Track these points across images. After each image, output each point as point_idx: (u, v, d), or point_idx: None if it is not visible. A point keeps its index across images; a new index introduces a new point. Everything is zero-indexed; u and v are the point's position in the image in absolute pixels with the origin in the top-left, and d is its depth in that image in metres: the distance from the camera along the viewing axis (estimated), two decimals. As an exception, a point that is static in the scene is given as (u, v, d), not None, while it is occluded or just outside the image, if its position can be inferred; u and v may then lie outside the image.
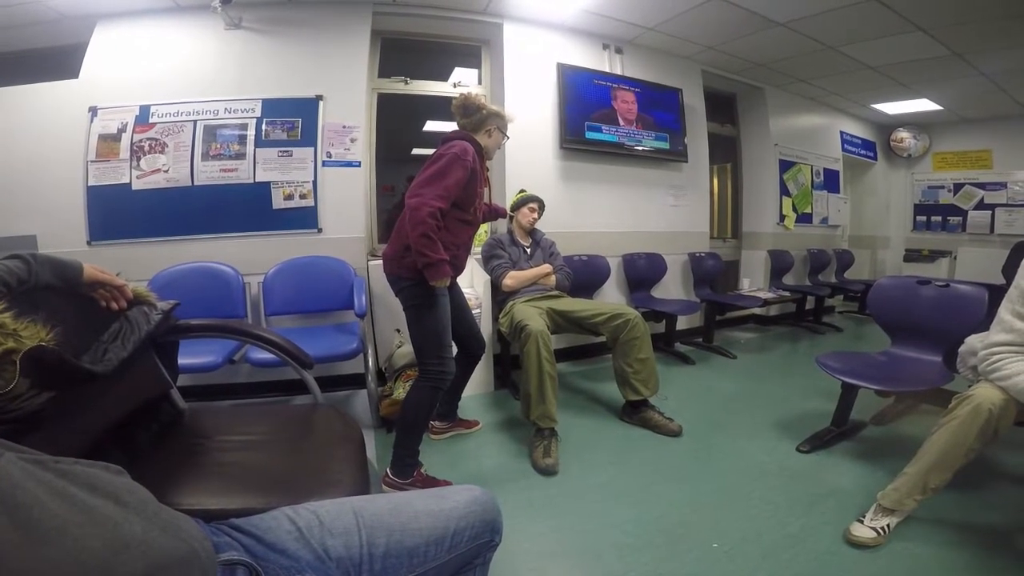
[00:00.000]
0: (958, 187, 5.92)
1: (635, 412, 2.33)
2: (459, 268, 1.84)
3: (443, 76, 3.50)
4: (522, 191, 2.86)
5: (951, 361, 1.97)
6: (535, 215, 2.76)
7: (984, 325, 1.89)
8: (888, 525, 1.46)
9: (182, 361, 1.45)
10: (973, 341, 1.71)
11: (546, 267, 2.70)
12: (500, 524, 0.79)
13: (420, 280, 1.65)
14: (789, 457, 2.03)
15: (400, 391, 2.25)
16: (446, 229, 1.68)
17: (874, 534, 1.44)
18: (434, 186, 1.62)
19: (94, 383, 0.94)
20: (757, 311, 4.47)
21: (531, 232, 2.82)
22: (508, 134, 1.94)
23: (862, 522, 1.48)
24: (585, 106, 3.46)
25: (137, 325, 1.13)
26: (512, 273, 2.60)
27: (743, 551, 1.45)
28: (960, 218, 5.92)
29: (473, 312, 2.83)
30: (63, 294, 1.02)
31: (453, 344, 1.87)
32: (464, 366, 2.11)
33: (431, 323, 1.71)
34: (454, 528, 0.72)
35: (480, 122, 1.83)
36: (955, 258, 5.85)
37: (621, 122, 3.61)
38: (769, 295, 4.22)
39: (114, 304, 1.09)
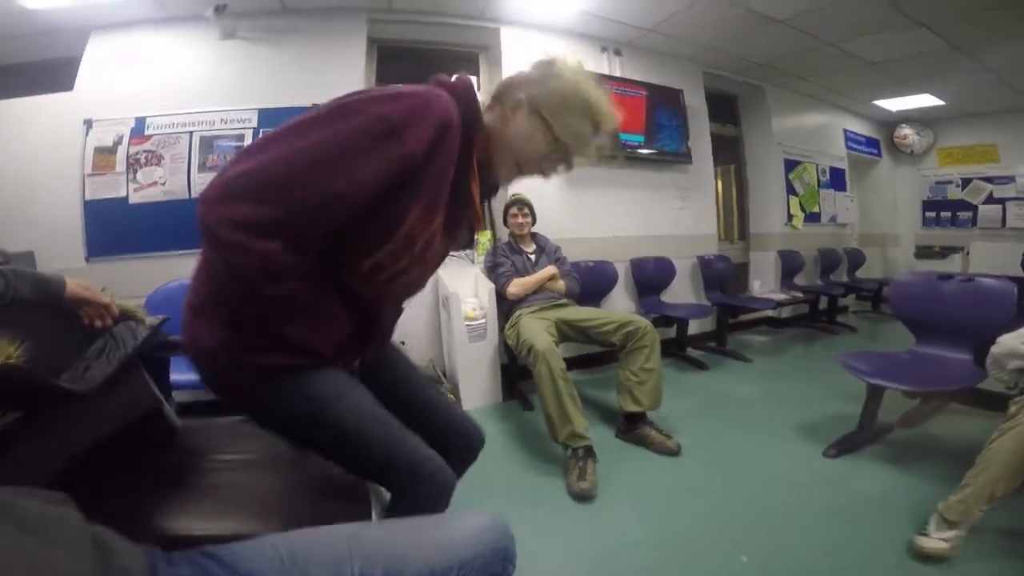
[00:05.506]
0: (966, 182, 5.83)
1: (631, 428, 2.17)
2: (373, 339, 0.95)
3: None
4: (513, 195, 2.74)
5: (981, 358, 1.87)
6: (523, 219, 2.66)
7: (1016, 321, 1.81)
8: (957, 536, 1.35)
9: (178, 377, 1.38)
10: (1010, 341, 1.60)
11: (550, 269, 2.60)
12: (513, 553, 0.71)
13: (288, 368, 0.81)
14: (815, 463, 1.94)
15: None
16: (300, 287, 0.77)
17: (946, 545, 1.33)
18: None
19: (75, 401, 0.90)
20: (769, 313, 4.37)
21: (533, 237, 2.74)
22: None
23: (926, 535, 1.37)
24: (586, 109, 3.41)
25: (123, 341, 1.09)
26: (516, 280, 2.52)
27: (775, 564, 1.36)
28: (970, 213, 5.82)
29: (476, 325, 2.77)
30: (44, 310, 0.98)
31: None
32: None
33: (351, 430, 0.84)
34: (461, 558, 0.64)
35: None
36: (967, 254, 5.75)
37: (622, 124, 3.53)
38: (782, 296, 4.13)
39: (99, 322, 1.06)
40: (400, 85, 0.77)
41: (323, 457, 0.91)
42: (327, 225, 0.75)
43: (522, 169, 0.91)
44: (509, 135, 0.88)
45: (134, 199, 2.58)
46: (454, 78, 0.87)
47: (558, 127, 0.86)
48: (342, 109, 0.73)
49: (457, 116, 0.78)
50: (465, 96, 0.83)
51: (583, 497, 1.73)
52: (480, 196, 0.91)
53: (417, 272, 0.88)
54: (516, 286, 2.50)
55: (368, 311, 0.89)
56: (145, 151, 2.60)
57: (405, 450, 0.88)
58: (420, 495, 0.88)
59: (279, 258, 0.70)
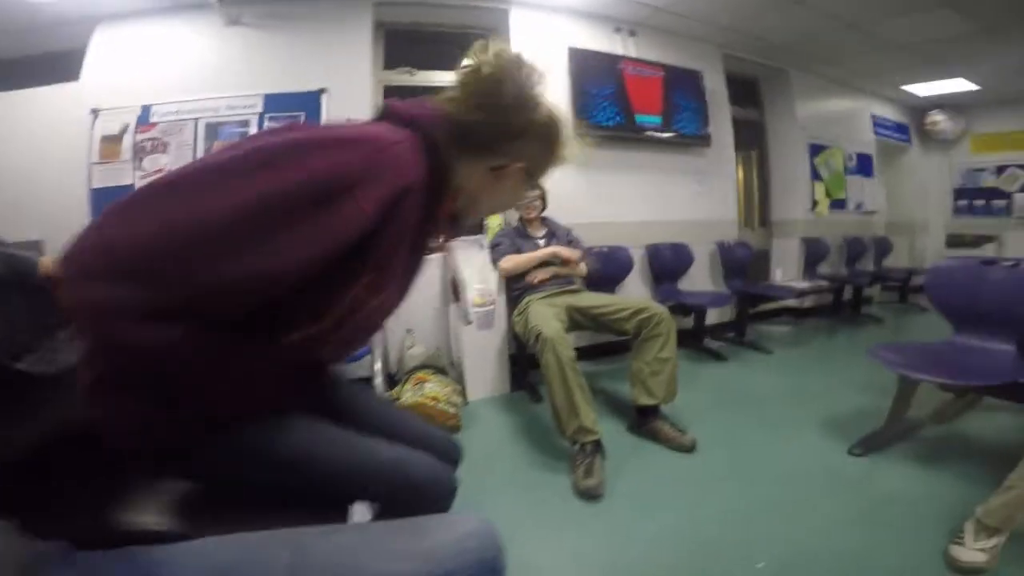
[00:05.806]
0: (1001, 169, 5.55)
1: (643, 422, 2.06)
2: (306, 390, 0.81)
3: (451, 67, 3.36)
4: None
5: (1027, 351, 1.74)
6: (537, 203, 2.53)
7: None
8: (996, 545, 1.23)
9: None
10: None
11: (550, 249, 2.42)
12: (502, 565, 0.60)
13: (218, 427, 0.66)
14: (841, 461, 1.82)
15: (408, 394, 2.11)
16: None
17: (986, 557, 1.21)
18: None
19: (41, 384, 0.85)
20: (791, 303, 4.21)
21: (544, 221, 2.64)
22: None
23: (961, 544, 1.25)
24: (599, 91, 3.29)
25: None
26: (509, 256, 2.39)
27: (794, 573, 1.26)
28: (1005, 201, 5.54)
29: (483, 312, 2.70)
30: (14, 288, 0.93)
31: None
32: None
33: (318, 462, 0.72)
34: (442, 573, 0.54)
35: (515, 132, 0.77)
36: (1001, 243, 5.47)
37: (638, 106, 3.42)
38: (805, 285, 3.97)
39: None
40: (346, 124, 0.63)
41: (309, 502, 0.72)
42: (246, 306, 0.58)
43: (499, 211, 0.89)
44: (493, 195, 0.82)
45: (140, 186, 2.57)
46: (419, 107, 0.71)
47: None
48: (275, 154, 0.54)
49: (422, 174, 0.64)
50: (433, 138, 0.67)
51: (589, 495, 1.64)
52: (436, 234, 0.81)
53: (355, 337, 0.76)
54: (508, 261, 2.38)
55: (292, 375, 0.74)
56: (151, 139, 2.59)
57: (387, 460, 0.75)
58: (415, 503, 0.73)
59: (177, 348, 0.54)
